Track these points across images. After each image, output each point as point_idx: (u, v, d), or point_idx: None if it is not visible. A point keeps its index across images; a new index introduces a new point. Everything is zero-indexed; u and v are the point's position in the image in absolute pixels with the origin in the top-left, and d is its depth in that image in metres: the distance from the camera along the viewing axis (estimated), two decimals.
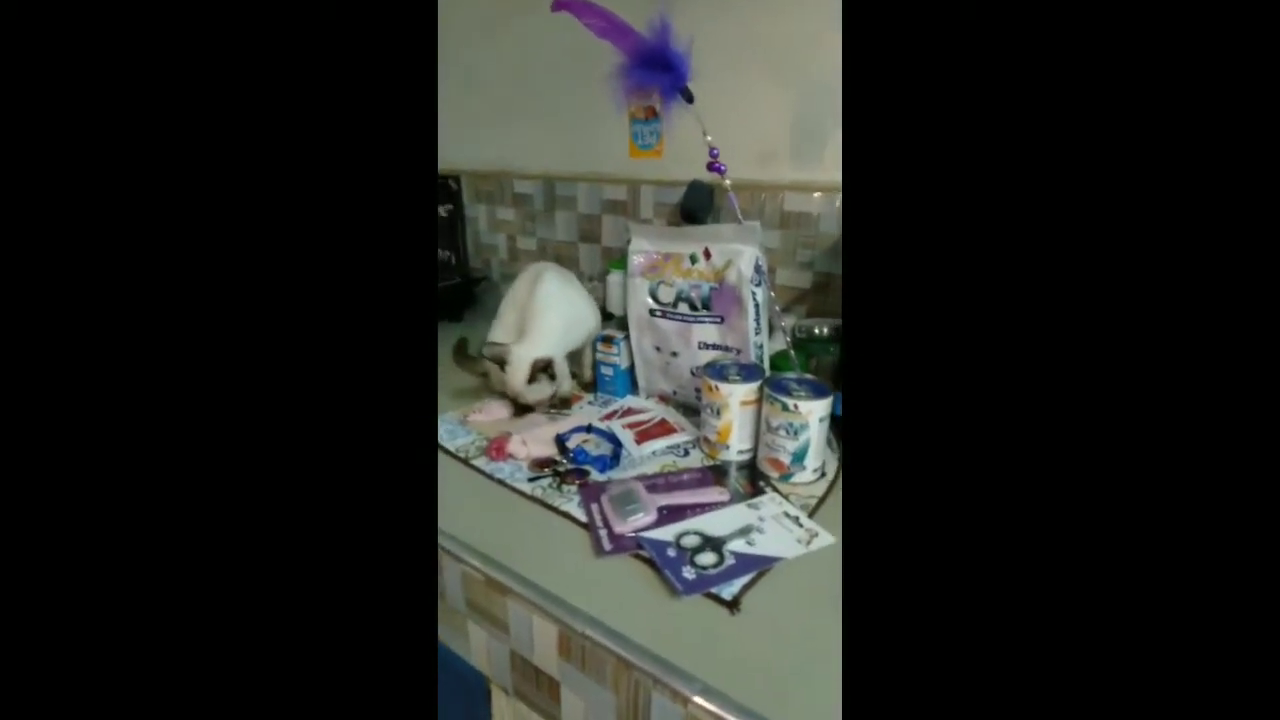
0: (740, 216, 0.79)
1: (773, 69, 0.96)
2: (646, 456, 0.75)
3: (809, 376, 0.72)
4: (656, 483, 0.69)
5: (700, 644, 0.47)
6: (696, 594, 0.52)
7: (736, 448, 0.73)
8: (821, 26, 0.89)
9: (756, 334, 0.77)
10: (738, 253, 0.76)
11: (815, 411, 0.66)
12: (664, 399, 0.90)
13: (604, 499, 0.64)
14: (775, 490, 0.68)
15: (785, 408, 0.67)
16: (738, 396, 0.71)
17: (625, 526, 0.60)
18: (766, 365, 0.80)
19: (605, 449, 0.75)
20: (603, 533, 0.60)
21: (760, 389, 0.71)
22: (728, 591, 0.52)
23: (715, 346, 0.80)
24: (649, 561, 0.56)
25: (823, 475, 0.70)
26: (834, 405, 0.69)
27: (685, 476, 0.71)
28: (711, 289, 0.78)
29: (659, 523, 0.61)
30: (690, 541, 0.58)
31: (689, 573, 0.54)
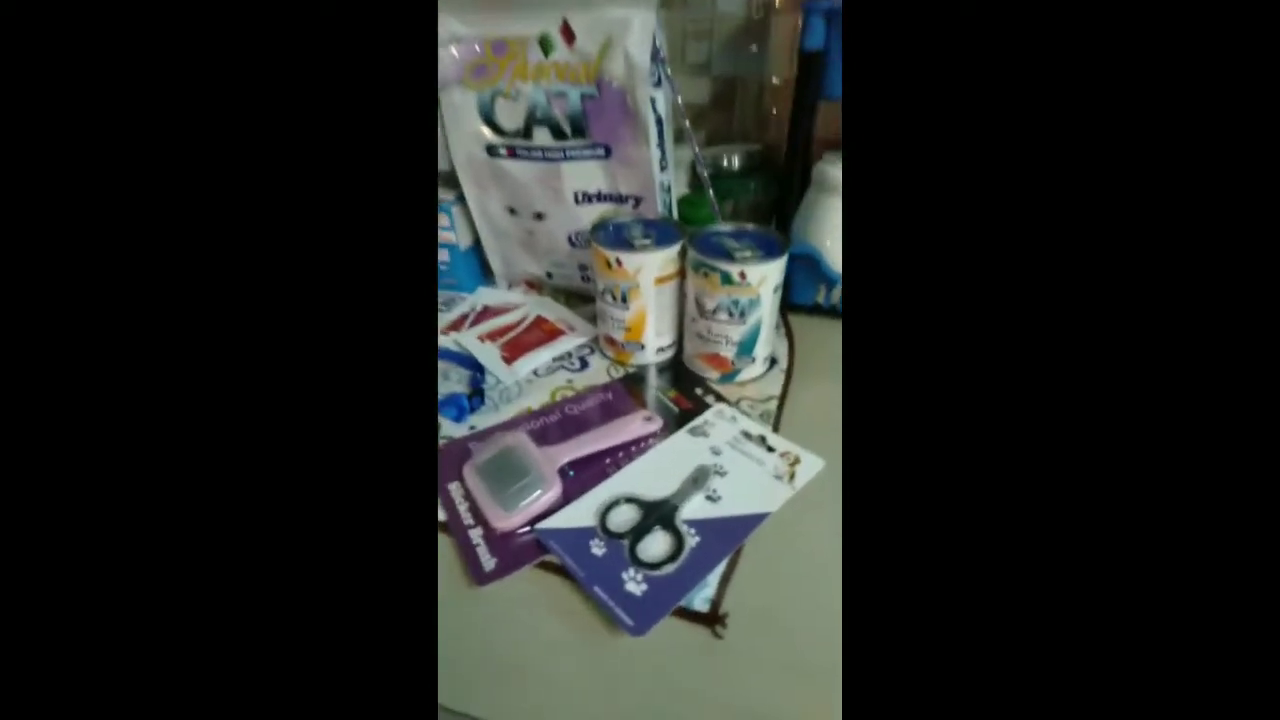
0: None
1: None
2: (525, 382, 0.50)
3: (749, 227, 0.49)
4: (548, 424, 0.45)
5: (679, 716, 0.28)
6: (657, 623, 0.31)
7: (655, 345, 0.50)
8: None
9: (663, 168, 0.51)
10: (620, 25, 0.45)
11: (769, 278, 0.44)
12: (534, 286, 0.62)
13: (469, 473, 0.39)
14: (720, 399, 0.47)
15: (727, 279, 0.44)
16: (652, 270, 0.46)
17: (513, 518, 0.36)
18: (676, 216, 0.55)
19: (457, 381, 0.48)
20: (477, 537, 0.36)
21: (682, 255, 0.47)
22: (701, 597, 0.32)
23: (602, 197, 0.53)
24: (563, 572, 0.34)
25: (773, 365, 0.51)
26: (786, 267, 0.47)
27: (590, 403, 0.47)
28: (584, 97, 0.48)
29: (567, 496, 0.38)
30: (623, 520, 0.36)
31: (635, 582, 0.33)
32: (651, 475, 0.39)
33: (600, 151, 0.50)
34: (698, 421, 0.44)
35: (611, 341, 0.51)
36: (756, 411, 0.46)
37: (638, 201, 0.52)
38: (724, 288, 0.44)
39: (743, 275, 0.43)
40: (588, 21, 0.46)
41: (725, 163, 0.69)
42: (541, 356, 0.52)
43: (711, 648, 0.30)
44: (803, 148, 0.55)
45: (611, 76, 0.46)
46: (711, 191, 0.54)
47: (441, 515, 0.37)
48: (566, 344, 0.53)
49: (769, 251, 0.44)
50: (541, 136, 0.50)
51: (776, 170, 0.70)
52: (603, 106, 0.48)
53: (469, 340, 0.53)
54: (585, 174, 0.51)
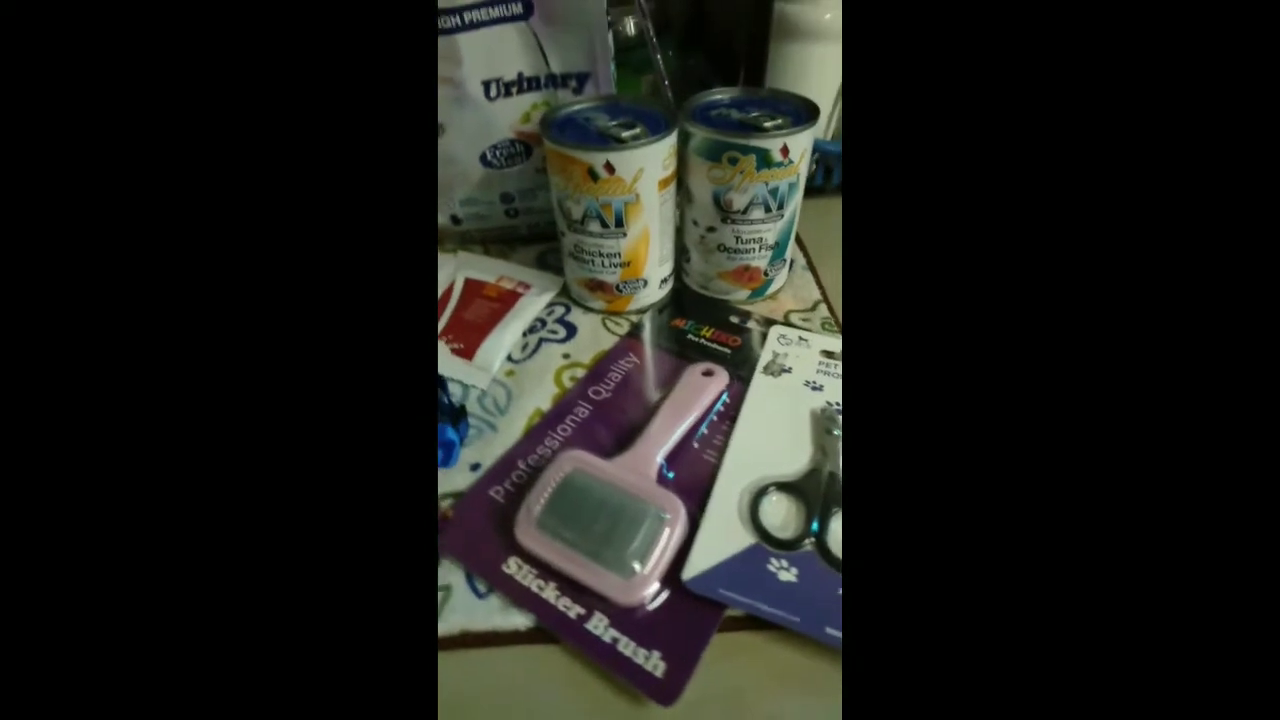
0: None
1: None
2: (503, 378, 0.34)
3: (755, 91, 0.37)
4: (586, 422, 0.31)
5: None
6: None
7: (659, 277, 0.38)
8: None
9: (611, 25, 0.36)
10: None
11: (807, 151, 0.34)
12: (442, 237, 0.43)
13: (531, 536, 0.25)
14: (761, 320, 0.37)
15: (765, 159, 0.33)
16: (654, 171, 0.33)
17: (642, 581, 0.23)
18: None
19: None
20: (603, 630, 0.23)
21: (682, 142, 0.34)
22: None
23: (527, 84, 0.36)
24: (757, 624, 0.23)
25: (790, 265, 0.42)
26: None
27: (619, 375, 0.34)
28: None
29: (689, 514, 0.26)
30: (782, 518, 0.26)
31: None
32: (767, 444, 0.29)
33: (516, 8, 0.33)
34: (768, 357, 0.34)
35: (599, 286, 0.37)
36: (814, 323, 0.37)
37: (580, 82, 0.37)
38: (761, 173, 0.33)
39: (785, 151, 0.32)
40: None
41: (620, 29, 0.54)
42: (508, 334, 0.36)
43: None
44: None
45: None
46: (660, 57, 0.41)
47: (527, 620, 0.23)
48: (531, 307, 0.38)
49: (797, 118, 0.34)
50: None
51: (679, 34, 0.57)
52: None
53: None
54: (498, 48, 0.34)
